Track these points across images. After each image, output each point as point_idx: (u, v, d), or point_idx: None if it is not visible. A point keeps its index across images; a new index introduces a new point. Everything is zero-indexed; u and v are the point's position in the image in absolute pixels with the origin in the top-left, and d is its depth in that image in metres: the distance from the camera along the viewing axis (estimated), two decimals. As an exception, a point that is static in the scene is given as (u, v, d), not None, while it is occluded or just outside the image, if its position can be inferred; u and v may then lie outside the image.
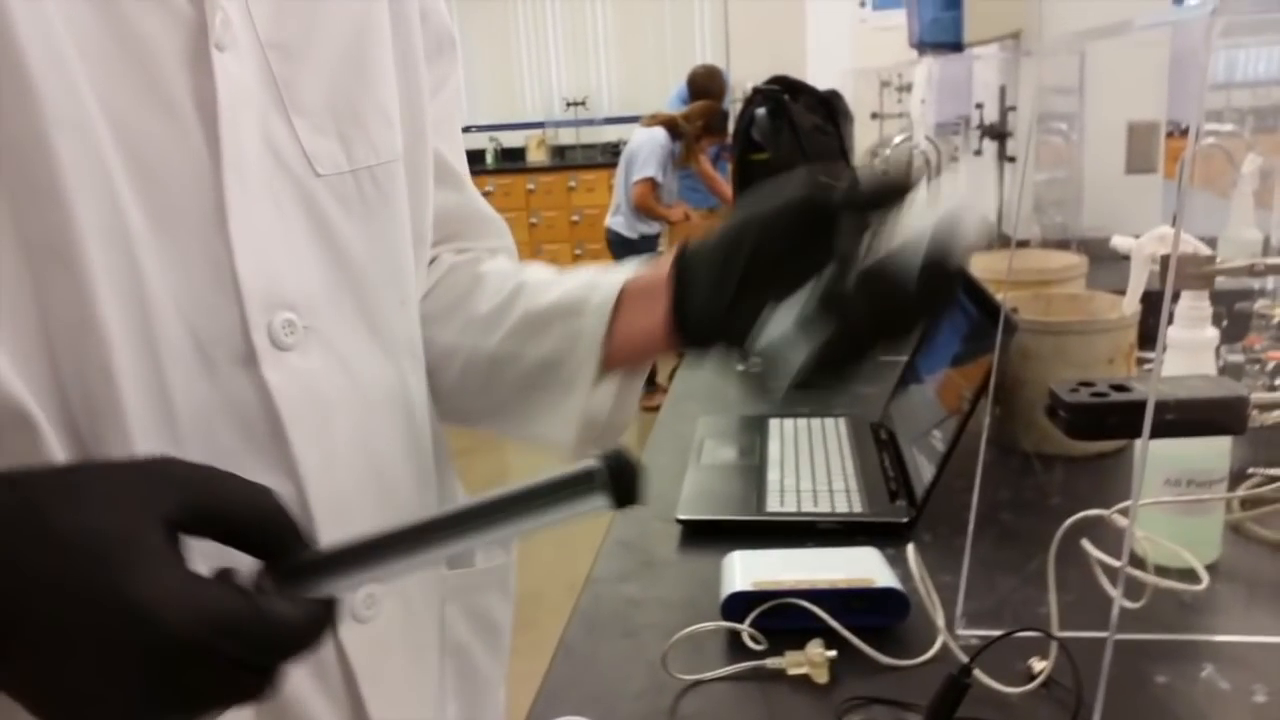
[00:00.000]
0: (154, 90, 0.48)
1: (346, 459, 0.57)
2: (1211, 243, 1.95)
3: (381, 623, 0.60)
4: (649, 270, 0.66)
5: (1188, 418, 0.64)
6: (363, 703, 0.59)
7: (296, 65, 0.54)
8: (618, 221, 4.83)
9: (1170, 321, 1.03)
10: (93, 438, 0.47)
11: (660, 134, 4.67)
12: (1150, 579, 0.81)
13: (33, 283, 0.45)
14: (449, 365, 0.69)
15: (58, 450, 0.46)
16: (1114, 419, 0.64)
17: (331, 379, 0.55)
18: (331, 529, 0.56)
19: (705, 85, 5.18)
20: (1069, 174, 2.48)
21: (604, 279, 0.68)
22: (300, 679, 0.56)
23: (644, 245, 4.85)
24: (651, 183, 4.64)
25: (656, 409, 5.04)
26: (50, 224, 0.45)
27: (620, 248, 4.88)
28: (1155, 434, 0.66)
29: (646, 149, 4.65)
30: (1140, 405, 0.61)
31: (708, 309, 0.60)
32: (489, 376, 0.70)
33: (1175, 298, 1.01)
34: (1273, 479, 1.15)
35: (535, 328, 0.68)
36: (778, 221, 0.59)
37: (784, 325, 0.55)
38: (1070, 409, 0.65)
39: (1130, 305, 1.14)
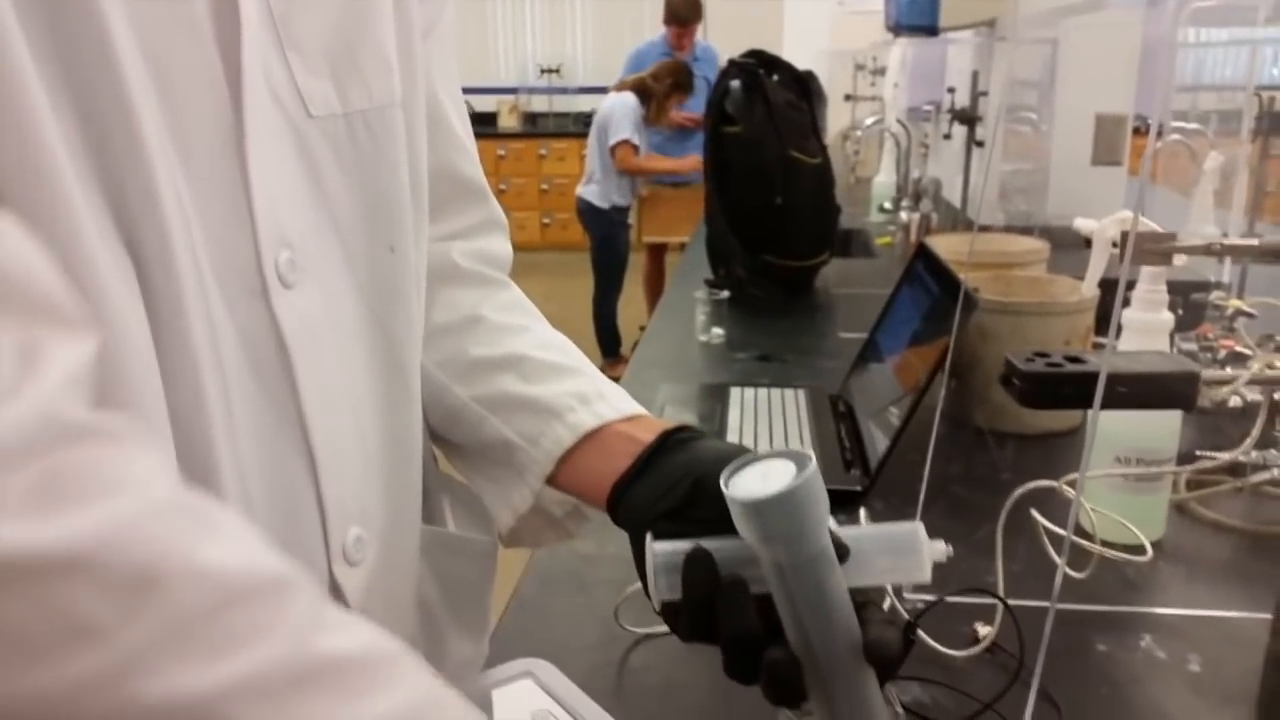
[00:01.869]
0: (178, 6, 0.47)
1: (338, 404, 0.56)
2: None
3: (368, 565, 0.59)
4: (635, 428, 0.65)
5: (1139, 390, 0.65)
6: None
7: (294, 2, 0.53)
8: (590, 191, 4.81)
9: (1127, 305, 1.05)
10: (166, 364, 0.47)
11: (630, 98, 4.66)
12: (1095, 548, 0.83)
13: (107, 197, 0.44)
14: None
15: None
16: (1067, 389, 0.65)
17: (323, 322, 0.55)
18: (333, 473, 0.56)
19: (679, 5, 5.15)
20: (1036, 163, 2.51)
21: (590, 403, 0.66)
22: None
23: (615, 215, 4.84)
24: (630, 145, 4.64)
25: (618, 380, 5.04)
26: (118, 133, 0.44)
27: (591, 217, 4.87)
28: (1107, 405, 0.68)
29: (619, 113, 4.64)
30: (1093, 376, 0.63)
31: (637, 508, 0.60)
32: (450, 420, 0.70)
33: (1132, 286, 1.03)
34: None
35: (508, 408, 0.68)
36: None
37: (676, 555, 0.54)
38: (1025, 378, 0.67)
39: (1089, 287, 1.16)
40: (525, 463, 0.67)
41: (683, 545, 0.54)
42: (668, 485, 0.59)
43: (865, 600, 0.53)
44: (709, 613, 0.53)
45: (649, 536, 0.56)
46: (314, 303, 0.54)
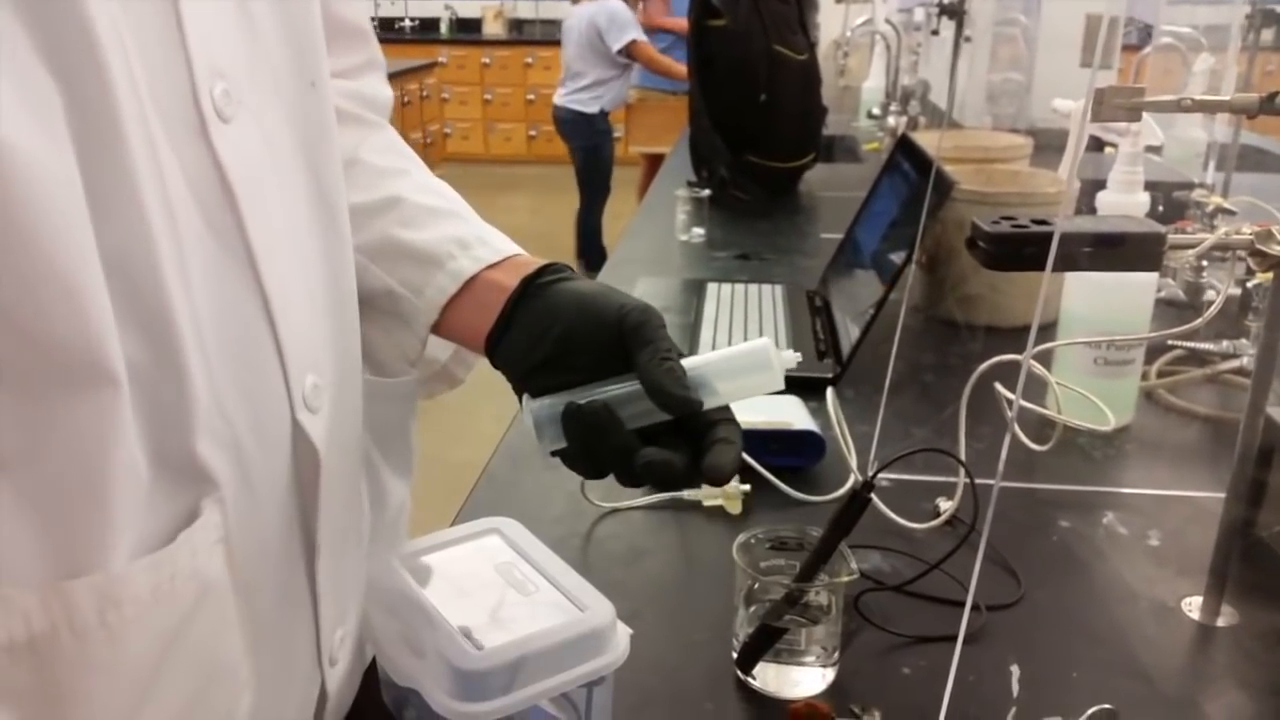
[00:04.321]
0: None
1: (284, 246, 0.55)
2: (1159, 146, 1.98)
3: (326, 413, 0.59)
4: (504, 274, 0.65)
5: (1105, 251, 0.65)
6: (317, 493, 0.59)
7: None
8: (577, 98, 4.71)
9: (1096, 148, 1.04)
10: (101, 197, 0.45)
11: (618, 2, 4.55)
12: (1059, 418, 0.83)
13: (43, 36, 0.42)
14: None
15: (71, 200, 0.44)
16: (1030, 248, 0.65)
17: (261, 159, 0.53)
18: (287, 318, 0.54)
19: None
20: (1024, 68, 2.47)
21: (470, 248, 0.67)
22: (265, 472, 0.56)
23: (601, 123, 4.75)
24: (644, 45, 4.55)
25: None
26: None
27: (575, 126, 4.78)
28: (1072, 267, 0.67)
29: (617, 15, 4.53)
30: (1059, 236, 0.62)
31: (512, 361, 0.62)
32: None
33: (1099, 147, 1.02)
34: (1193, 352, 1.18)
35: (390, 256, 0.68)
36: (598, 335, 0.59)
37: (553, 408, 0.58)
38: (989, 239, 0.66)
39: (1065, 168, 1.15)
40: (411, 312, 0.67)
41: (556, 400, 0.58)
42: (536, 336, 0.61)
43: (718, 419, 0.58)
44: (596, 451, 0.57)
45: (525, 397, 0.60)
46: (251, 138, 0.52)
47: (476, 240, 0.67)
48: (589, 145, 4.83)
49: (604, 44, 4.59)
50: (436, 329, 0.67)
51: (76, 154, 0.44)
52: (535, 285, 0.62)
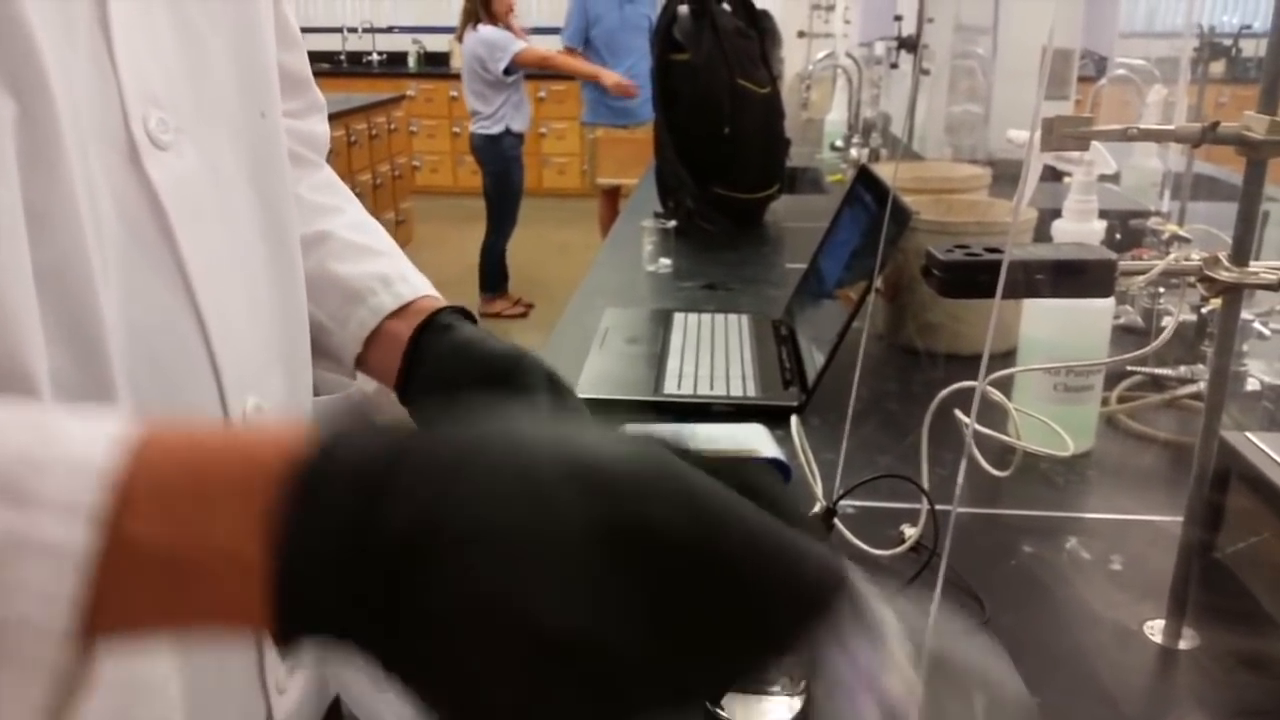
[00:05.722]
0: None
1: (226, 270, 0.55)
2: (1116, 175, 2.02)
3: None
4: (402, 322, 0.69)
5: (1058, 278, 0.66)
6: None
7: None
8: (482, 124, 4.74)
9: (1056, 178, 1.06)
10: (40, 213, 0.45)
11: (486, 31, 4.61)
12: (1018, 443, 0.84)
13: None
14: None
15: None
16: (984, 276, 0.66)
17: (203, 186, 0.54)
18: (224, 338, 0.54)
19: None
20: (983, 100, 2.51)
21: (394, 284, 0.70)
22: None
23: (509, 148, 4.78)
24: (524, 51, 4.61)
25: (515, 316, 5.03)
26: None
27: (485, 151, 4.81)
28: (1024, 293, 0.68)
29: (487, 40, 4.59)
30: (1011, 263, 0.63)
31: (414, 410, 0.66)
32: None
33: (1059, 177, 1.04)
34: (1153, 378, 1.20)
35: (321, 290, 0.70)
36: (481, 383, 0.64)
37: None
38: (944, 267, 0.67)
39: (1021, 197, 1.17)
40: (339, 346, 0.70)
41: None
42: (429, 386, 0.65)
43: None
44: None
45: None
46: (192, 165, 0.53)
47: (399, 278, 0.70)
48: (498, 169, 4.89)
49: (491, 73, 4.64)
50: (361, 364, 0.70)
51: (19, 168, 0.44)
52: (428, 333, 0.67)
